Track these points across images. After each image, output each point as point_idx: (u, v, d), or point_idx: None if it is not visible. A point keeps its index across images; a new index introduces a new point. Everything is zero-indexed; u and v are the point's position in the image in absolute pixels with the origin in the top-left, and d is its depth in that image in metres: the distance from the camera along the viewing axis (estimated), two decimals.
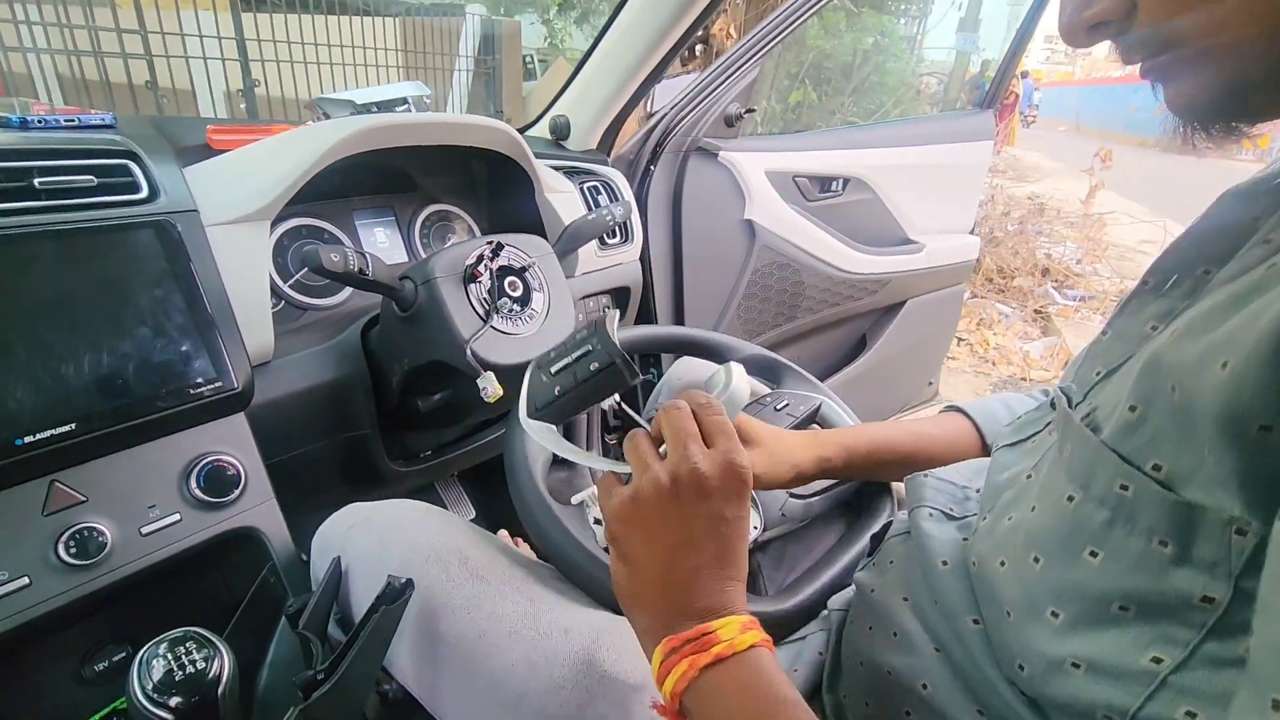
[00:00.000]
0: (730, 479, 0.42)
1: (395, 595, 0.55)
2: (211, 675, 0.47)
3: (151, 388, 0.63)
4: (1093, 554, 0.35)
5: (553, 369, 0.49)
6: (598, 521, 0.63)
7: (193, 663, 0.47)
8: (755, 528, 0.74)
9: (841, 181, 1.61)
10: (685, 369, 0.95)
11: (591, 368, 0.47)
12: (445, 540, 0.64)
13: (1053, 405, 0.49)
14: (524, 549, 1.43)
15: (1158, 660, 0.32)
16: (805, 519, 0.74)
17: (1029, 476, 0.45)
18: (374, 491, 1.01)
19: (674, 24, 1.09)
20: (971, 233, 1.87)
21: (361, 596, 0.64)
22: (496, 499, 1.54)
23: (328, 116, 0.90)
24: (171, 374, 0.65)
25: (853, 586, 0.61)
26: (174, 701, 0.45)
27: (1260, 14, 0.29)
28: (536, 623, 0.57)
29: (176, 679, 0.46)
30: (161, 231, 0.66)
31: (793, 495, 0.70)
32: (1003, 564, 0.43)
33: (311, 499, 0.96)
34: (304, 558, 0.73)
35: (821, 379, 1.81)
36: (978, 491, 0.54)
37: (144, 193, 0.68)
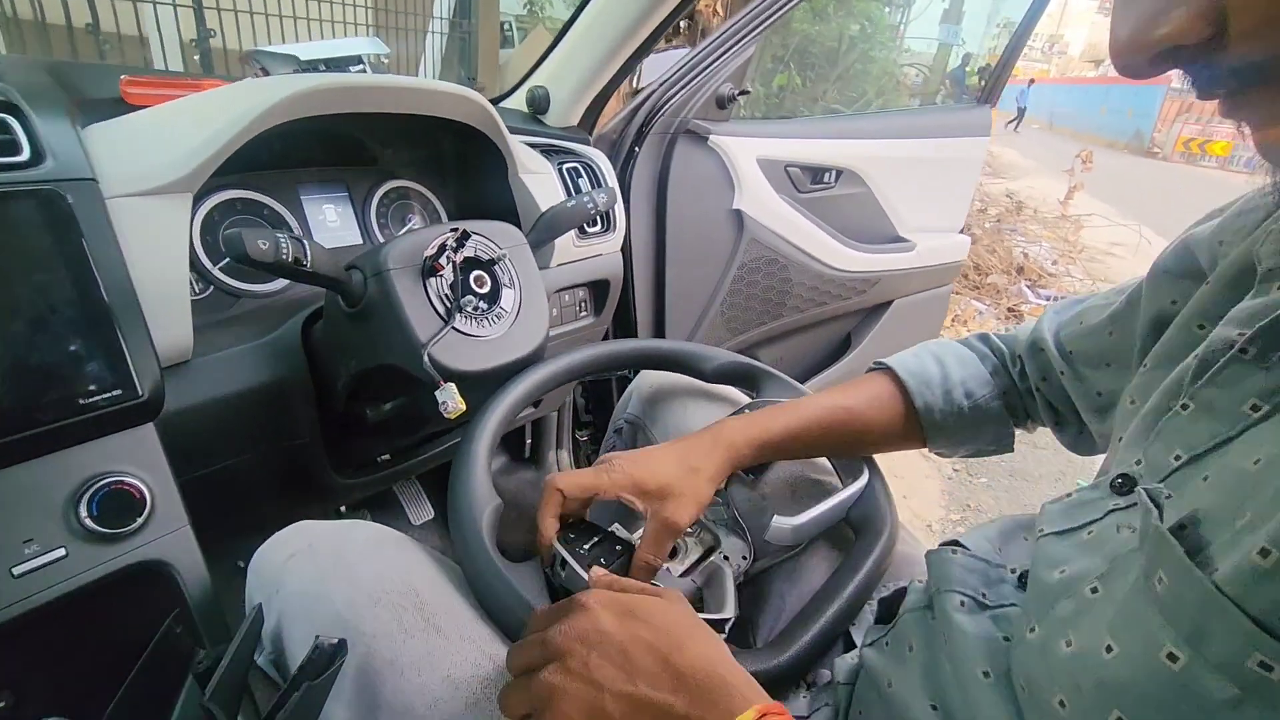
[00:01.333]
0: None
1: (321, 666, 0.45)
2: None
3: (28, 397, 0.52)
4: None
5: (584, 547, 0.57)
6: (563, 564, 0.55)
7: None
8: (745, 558, 0.66)
9: (834, 173, 1.52)
10: (651, 379, 0.86)
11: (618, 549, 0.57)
12: (399, 578, 0.54)
13: (1114, 488, 0.40)
14: None
15: None
16: (794, 543, 0.65)
17: (1094, 590, 0.36)
18: (317, 505, 0.90)
19: None
20: (961, 232, 1.81)
21: (298, 642, 0.54)
22: None
23: (266, 73, 0.78)
24: (56, 380, 0.53)
25: (857, 654, 0.53)
26: None
27: None
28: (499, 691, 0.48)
29: None
30: (46, 203, 0.54)
31: (778, 515, 0.62)
32: (1063, 705, 0.34)
33: (242, 517, 0.84)
34: (232, 583, 0.63)
35: (803, 380, 1.74)
36: (1012, 571, 0.46)
37: (24, 155, 0.55)
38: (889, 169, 1.59)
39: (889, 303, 1.72)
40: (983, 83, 1.84)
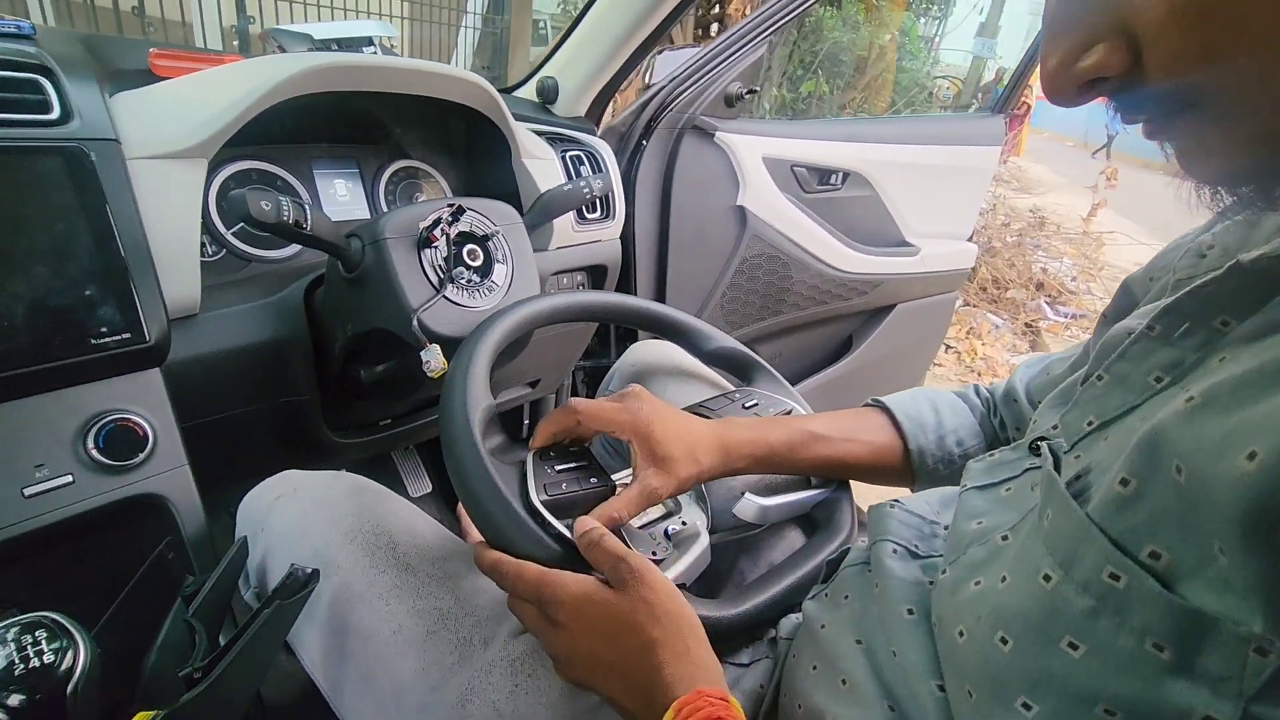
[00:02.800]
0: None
1: (294, 589, 0.50)
2: (61, 670, 0.41)
3: (44, 333, 0.57)
4: (1072, 645, 0.31)
5: (557, 467, 0.55)
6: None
7: (40, 654, 0.41)
8: (701, 528, 0.69)
9: (841, 175, 1.54)
10: (639, 355, 0.88)
11: (590, 481, 0.55)
12: (375, 521, 0.59)
13: (1032, 450, 0.44)
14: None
15: None
16: (759, 524, 0.68)
17: (1005, 538, 0.40)
18: (314, 463, 0.94)
19: None
20: (969, 240, 1.82)
21: (279, 575, 0.59)
22: None
23: (283, 50, 0.82)
24: (70, 320, 0.58)
25: (800, 615, 0.56)
26: (14, 700, 0.39)
27: None
28: (457, 625, 0.52)
29: (18, 673, 0.40)
30: (71, 160, 0.59)
31: (750, 493, 0.64)
32: (961, 635, 0.38)
33: (242, 467, 0.89)
34: (229, 527, 0.67)
35: (801, 379, 1.75)
36: (946, 528, 0.49)
37: (55, 114, 0.60)
38: (897, 174, 1.60)
39: (892, 306, 1.73)
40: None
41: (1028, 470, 0.44)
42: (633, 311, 0.78)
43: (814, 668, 0.47)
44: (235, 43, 3.80)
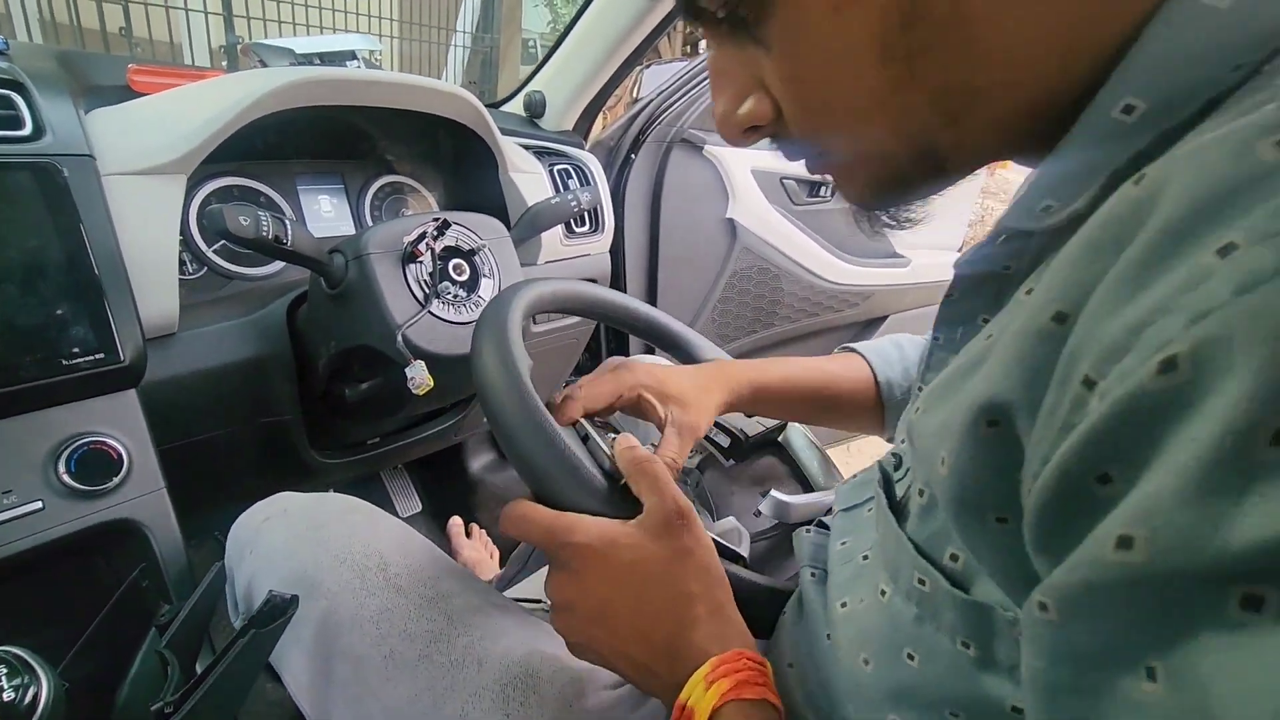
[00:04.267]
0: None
1: (270, 616, 0.47)
2: (22, 708, 0.39)
3: (13, 354, 0.55)
4: (910, 656, 0.32)
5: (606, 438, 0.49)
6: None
7: None
8: (734, 521, 0.68)
9: (830, 187, 1.54)
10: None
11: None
12: (366, 542, 0.57)
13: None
14: (477, 537, 1.36)
15: None
16: (779, 524, 0.67)
17: (865, 558, 0.40)
18: (299, 484, 0.92)
19: (656, 2, 1.02)
20: (959, 250, 1.83)
21: (267, 591, 0.57)
22: (447, 491, 1.46)
23: (264, 64, 0.82)
24: (41, 339, 0.56)
25: None
26: None
27: (897, 129, 0.29)
28: (449, 647, 0.51)
29: None
30: (43, 175, 0.58)
31: (775, 491, 0.64)
32: (839, 660, 0.37)
33: (225, 490, 0.87)
34: (212, 552, 0.65)
35: None
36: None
37: (27, 130, 0.59)
38: None
39: (883, 318, 1.73)
40: None
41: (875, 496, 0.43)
42: (639, 318, 0.71)
43: None
44: (224, 63, 3.80)
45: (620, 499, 0.43)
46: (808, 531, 0.52)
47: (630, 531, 0.40)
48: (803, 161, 0.34)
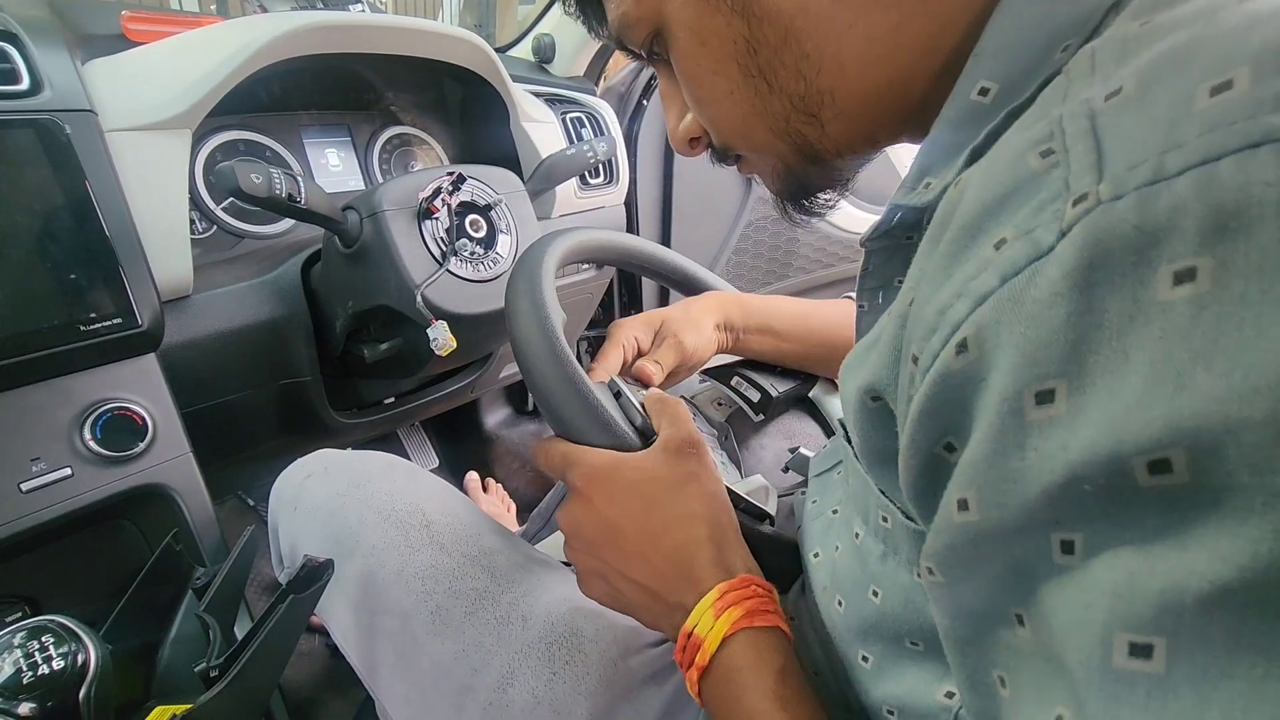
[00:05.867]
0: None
1: (308, 581, 0.48)
2: (71, 675, 0.40)
3: (31, 321, 0.53)
4: (874, 593, 0.35)
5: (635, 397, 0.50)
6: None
7: (48, 660, 0.39)
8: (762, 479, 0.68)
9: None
10: None
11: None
12: (408, 499, 0.57)
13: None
14: (494, 492, 1.38)
15: (950, 695, 0.31)
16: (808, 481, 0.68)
17: (835, 511, 0.44)
18: (320, 443, 0.92)
19: None
20: None
21: (311, 553, 0.58)
22: (463, 447, 1.47)
23: (265, 10, 0.78)
24: (58, 306, 0.55)
25: None
26: (25, 708, 0.38)
27: (775, 130, 0.34)
28: (495, 604, 0.51)
29: (26, 681, 0.38)
30: (45, 133, 0.55)
31: (803, 449, 0.64)
32: (816, 604, 0.41)
33: (246, 451, 0.87)
34: (234, 512, 0.65)
35: None
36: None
37: (24, 84, 0.56)
38: None
39: None
40: None
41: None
42: (672, 268, 0.72)
43: None
44: (212, 6, 3.66)
45: (640, 444, 0.44)
46: (803, 494, 0.53)
47: (638, 456, 0.43)
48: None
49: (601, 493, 0.42)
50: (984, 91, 0.27)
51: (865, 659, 0.36)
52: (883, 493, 0.34)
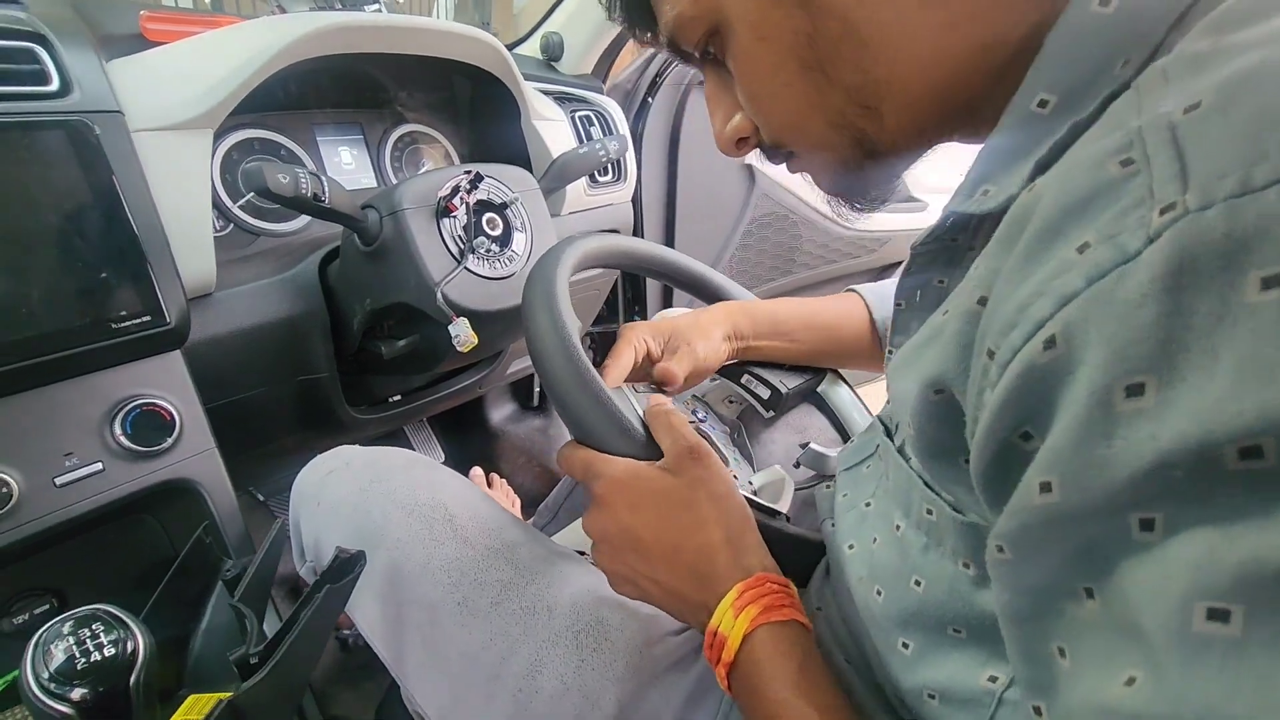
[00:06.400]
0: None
1: (342, 572, 0.49)
2: (122, 661, 0.41)
3: (64, 319, 0.55)
4: (917, 582, 0.36)
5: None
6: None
7: (99, 648, 0.41)
8: (750, 484, 0.69)
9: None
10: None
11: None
12: (430, 494, 0.59)
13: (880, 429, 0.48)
14: (499, 487, 1.39)
15: (993, 679, 0.33)
16: (819, 476, 0.69)
17: (868, 504, 0.45)
18: (333, 439, 0.94)
19: None
20: None
21: (335, 548, 0.59)
22: (468, 442, 1.48)
23: (283, 10, 0.78)
24: (89, 304, 0.56)
25: None
26: (77, 694, 0.39)
27: (832, 124, 0.35)
28: (520, 595, 0.53)
29: (80, 667, 0.39)
30: (75, 134, 0.56)
31: (814, 445, 0.65)
32: (854, 597, 0.42)
33: (261, 447, 0.88)
34: (248, 505, 0.66)
35: None
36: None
37: (54, 85, 0.57)
38: None
39: (899, 263, 1.72)
40: None
41: (879, 446, 0.47)
42: (682, 271, 0.74)
43: None
44: (207, 1, 3.63)
45: (656, 449, 0.47)
46: (826, 488, 0.55)
47: (652, 467, 0.45)
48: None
49: (623, 501, 0.44)
50: (1043, 104, 0.28)
51: (905, 646, 0.38)
52: (929, 486, 0.35)
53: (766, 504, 0.54)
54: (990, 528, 0.30)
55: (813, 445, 0.65)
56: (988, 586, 0.32)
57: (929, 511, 0.35)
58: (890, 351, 0.45)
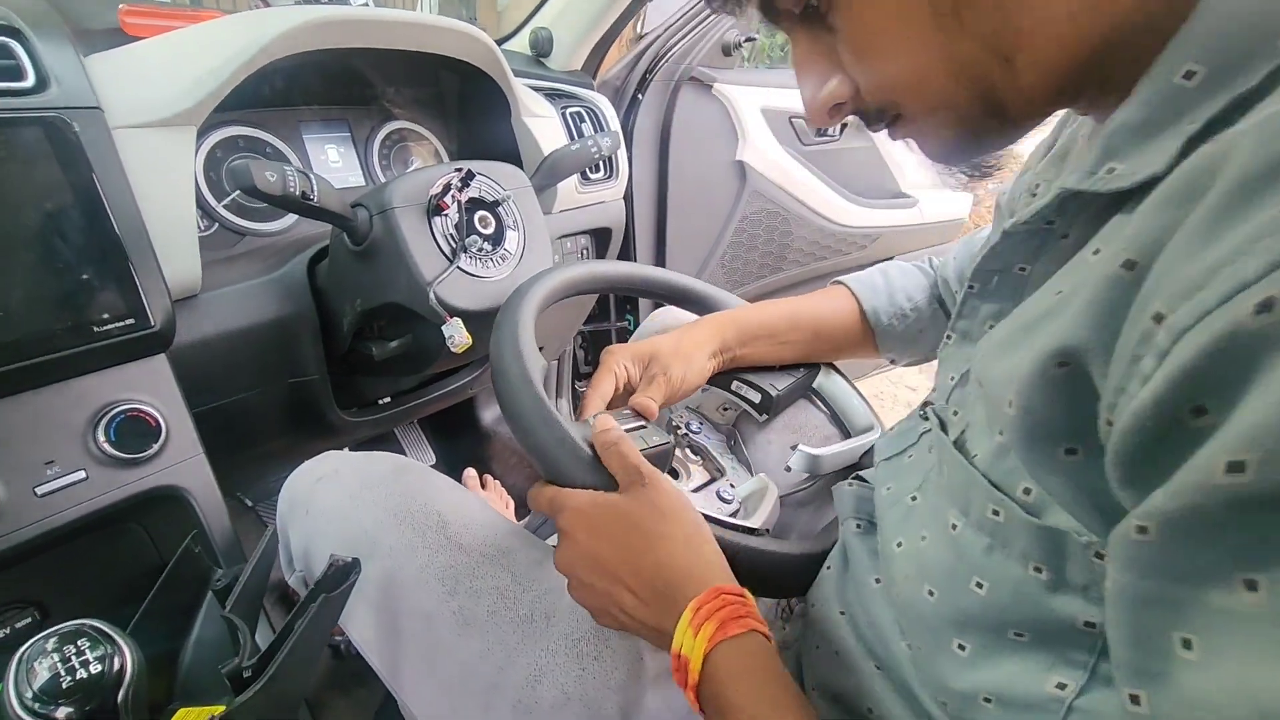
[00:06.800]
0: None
1: (337, 580, 0.48)
2: (109, 678, 0.39)
3: (44, 323, 0.53)
4: (979, 585, 0.35)
5: (624, 427, 0.53)
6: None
7: (85, 665, 0.39)
8: (767, 479, 0.69)
9: (839, 125, 1.51)
10: (662, 322, 0.86)
11: (655, 440, 0.53)
12: (423, 501, 0.57)
13: (923, 415, 0.47)
14: (492, 488, 1.37)
15: (1062, 686, 0.32)
16: (812, 477, 0.69)
17: (913, 499, 0.44)
18: (323, 442, 0.92)
19: None
20: (964, 189, 1.81)
21: (326, 557, 0.58)
22: (459, 443, 1.46)
23: (268, 4, 0.76)
24: (71, 307, 0.54)
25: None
26: (62, 713, 0.37)
27: (958, 78, 0.32)
28: (517, 603, 0.52)
29: (65, 685, 0.38)
30: (53, 131, 0.54)
31: (803, 445, 0.65)
32: (897, 594, 0.41)
33: (249, 451, 0.86)
34: (236, 511, 0.65)
35: None
36: None
37: (30, 81, 0.55)
38: None
39: (889, 259, 1.72)
40: None
41: (923, 435, 0.46)
42: (661, 285, 0.74)
43: (816, 647, 0.48)
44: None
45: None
46: (849, 485, 0.54)
47: (608, 494, 0.45)
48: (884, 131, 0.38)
49: (582, 529, 0.45)
50: (1189, 75, 0.26)
51: (961, 647, 0.36)
52: (995, 487, 0.34)
53: (740, 524, 0.54)
54: (1074, 536, 0.30)
55: (801, 447, 0.64)
56: (1063, 591, 0.31)
57: (995, 513, 0.34)
58: (949, 336, 0.45)
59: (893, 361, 0.74)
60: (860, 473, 0.57)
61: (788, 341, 0.69)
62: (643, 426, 0.55)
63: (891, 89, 0.34)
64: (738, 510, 0.64)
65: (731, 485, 0.67)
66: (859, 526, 0.50)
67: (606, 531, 0.44)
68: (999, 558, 0.34)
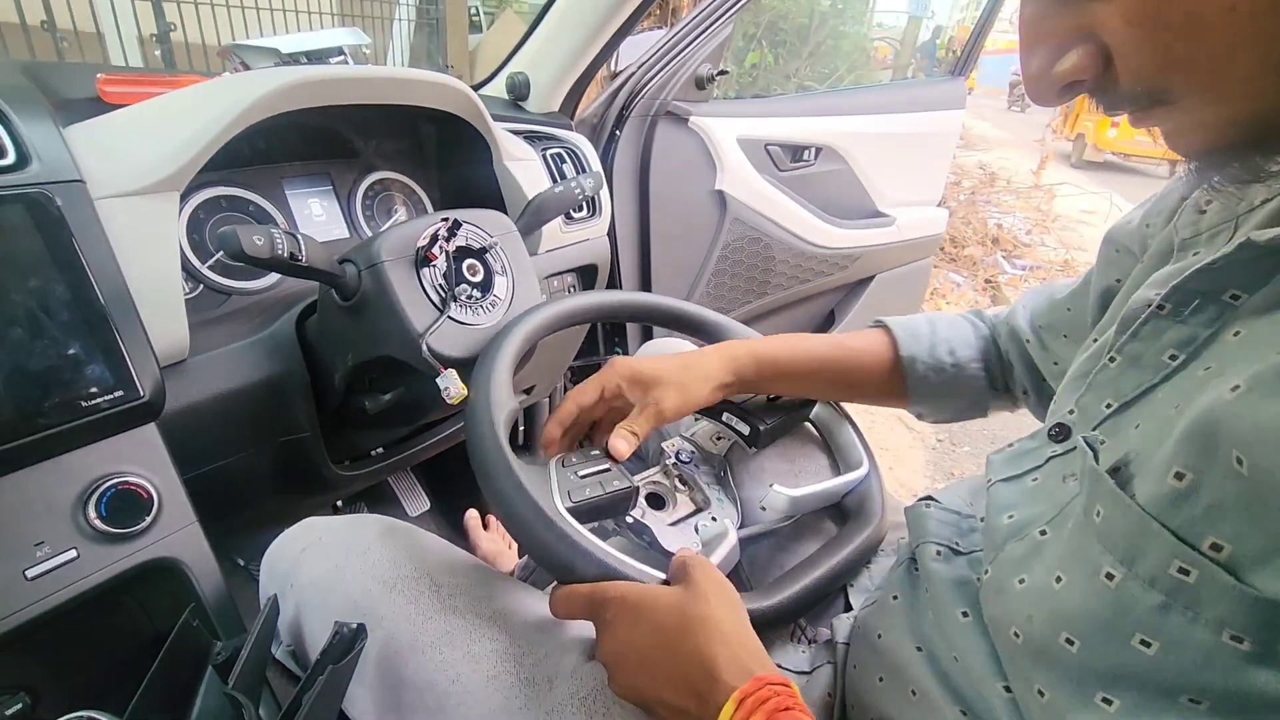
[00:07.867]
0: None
1: (343, 649, 0.47)
2: None
3: (30, 402, 0.52)
4: (1145, 643, 0.31)
5: (580, 472, 0.54)
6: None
7: None
8: (732, 523, 0.68)
9: (814, 150, 1.53)
10: (654, 351, 0.87)
11: (614, 485, 0.53)
12: (413, 564, 0.56)
13: (1051, 437, 0.44)
14: (494, 529, 1.35)
15: None
16: (788, 516, 0.67)
17: (1043, 533, 0.40)
18: (315, 499, 0.91)
19: None
20: (940, 204, 1.84)
21: (317, 632, 0.56)
22: (453, 488, 1.45)
23: (247, 67, 0.77)
24: (57, 383, 0.53)
25: (853, 614, 0.56)
26: None
27: (1260, 42, 0.26)
28: (519, 666, 0.50)
29: None
30: (35, 207, 0.54)
31: (778, 484, 0.64)
32: (1017, 636, 0.38)
33: (243, 513, 0.85)
34: (227, 573, 0.63)
35: None
36: (981, 520, 0.49)
37: (10, 158, 0.54)
38: (867, 145, 1.60)
39: (871, 278, 1.74)
40: (954, 55, 1.86)
41: (1051, 459, 0.44)
42: (648, 309, 0.75)
43: (880, 679, 0.47)
44: (157, 52, 3.59)
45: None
46: (926, 506, 0.52)
47: (652, 585, 0.45)
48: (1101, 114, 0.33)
49: (625, 619, 0.44)
50: None
51: (1107, 701, 0.33)
52: (1184, 541, 0.30)
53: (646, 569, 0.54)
54: None
55: (776, 487, 0.63)
56: (1271, 665, 0.28)
57: (1183, 571, 0.30)
58: (1112, 359, 0.40)
59: (920, 417, 0.72)
60: (933, 493, 0.55)
61: (810, 383, 0.67)
62: (605, 470, 0.56)
63: (1173, 70, 0.28)
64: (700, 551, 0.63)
65: (713, 519, 0.66)
66: (939, 553, 0.48)
67: (646, 622, 0.43)
68: (1178, 619, 0.30)
